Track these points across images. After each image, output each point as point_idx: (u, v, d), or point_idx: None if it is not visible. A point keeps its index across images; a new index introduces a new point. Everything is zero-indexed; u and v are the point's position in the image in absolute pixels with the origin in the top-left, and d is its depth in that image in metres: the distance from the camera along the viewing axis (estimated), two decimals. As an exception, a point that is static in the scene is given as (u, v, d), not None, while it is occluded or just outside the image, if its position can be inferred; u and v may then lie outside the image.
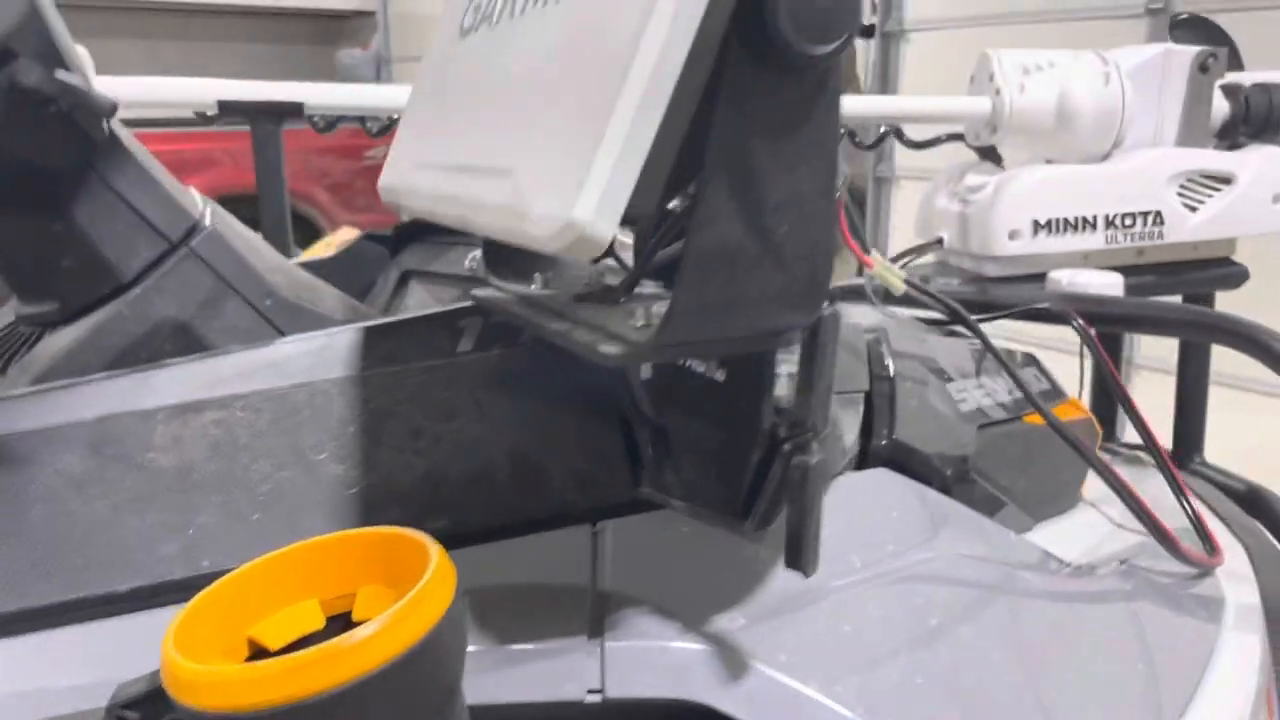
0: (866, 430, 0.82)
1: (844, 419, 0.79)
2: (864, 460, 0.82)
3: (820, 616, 0.64)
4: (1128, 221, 1.33)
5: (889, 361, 0.87)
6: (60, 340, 0.65)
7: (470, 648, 0.48)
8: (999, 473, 0.92)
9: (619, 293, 0.59)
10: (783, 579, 0.69)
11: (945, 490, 0.85)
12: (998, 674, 0.66)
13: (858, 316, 0.98)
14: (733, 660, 0.59)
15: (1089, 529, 1.00)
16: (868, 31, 4.20)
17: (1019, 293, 1.32)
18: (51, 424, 0.58)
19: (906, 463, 0.83)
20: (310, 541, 0.48)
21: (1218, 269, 1.40)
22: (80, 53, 0.76)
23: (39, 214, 0.62)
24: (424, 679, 0.42)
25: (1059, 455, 1.05)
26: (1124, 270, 1.37)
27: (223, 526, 0.57)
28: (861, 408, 0.81)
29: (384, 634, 0.40)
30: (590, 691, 0.58)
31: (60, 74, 0.57)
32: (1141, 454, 1.38)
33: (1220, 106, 1.42)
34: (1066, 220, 1.32)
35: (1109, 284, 1.29)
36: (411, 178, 0.64)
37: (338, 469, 0.61)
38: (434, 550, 0.45)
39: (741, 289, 0.47)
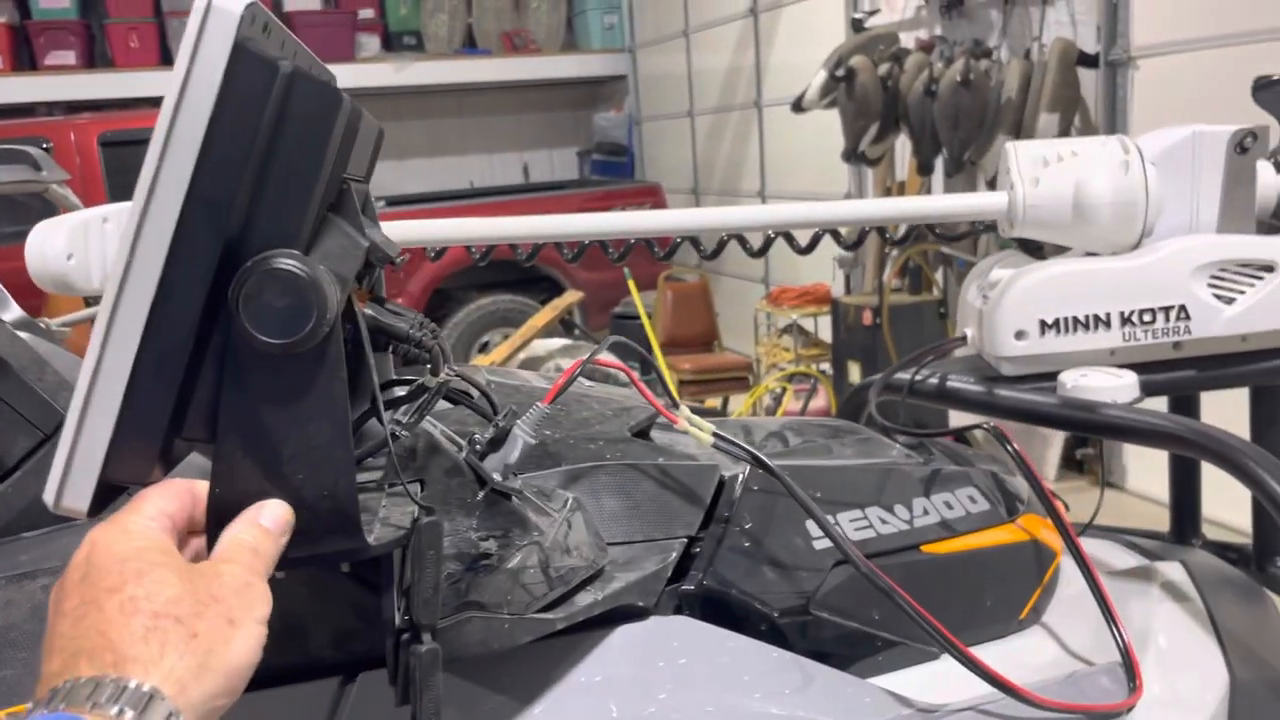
0: (680, 574, 0.87)
1: (643, 564, 0.84)
2: (680, 605, 0.87)
3: None
4: (1146, 318, 1.26)
5: (734, 502, 0.91)
6: (-31, 514, 0.83)
7: None
8: (870, 607, 0.93)
9: None
10: (520, 729, 0.76)
11: (776, 632, 0.88)
12: None
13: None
14: None
15: (1004, 659, 0.98)
16: (1090, 61, 3.98)
17: (1024, 396, 1.29)
18: None
19: (724, 605, 0.87)
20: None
21: (1270, 361, 1.29)
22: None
23: None
24: None
25: (977, 581, 1.04)
26: (1159, 366, 1.30)
27: (19, 679, 0.72)
28: (674, 554, 0.86)
29: None
30: None
31: None
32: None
33: (1275, 185, 1.31)
34: (1076, 319, 1.27)
35: (1120, 386, 1.23)
36: None
37: None
38: None
39: None
